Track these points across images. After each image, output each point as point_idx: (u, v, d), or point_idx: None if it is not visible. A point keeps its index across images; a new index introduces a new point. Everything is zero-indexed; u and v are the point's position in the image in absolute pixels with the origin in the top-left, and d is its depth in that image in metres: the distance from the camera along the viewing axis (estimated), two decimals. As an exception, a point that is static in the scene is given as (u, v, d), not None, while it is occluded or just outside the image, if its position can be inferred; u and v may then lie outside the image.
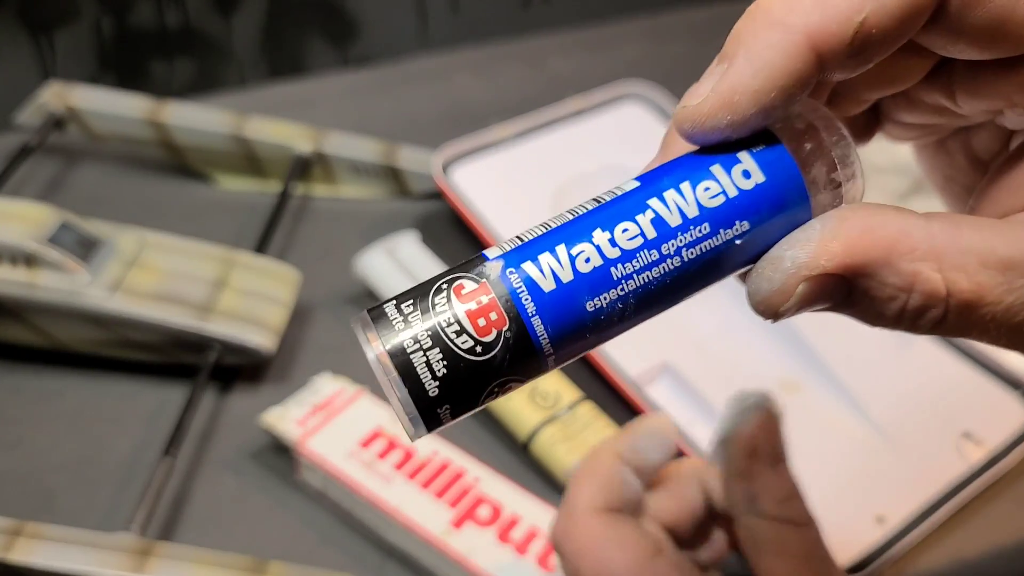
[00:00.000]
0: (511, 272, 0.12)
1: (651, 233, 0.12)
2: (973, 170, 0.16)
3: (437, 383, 0.12)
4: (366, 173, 0.38)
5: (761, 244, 0.13)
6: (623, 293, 0.12)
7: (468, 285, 0.12)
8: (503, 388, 0.12)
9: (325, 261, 0.35)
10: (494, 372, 0.12)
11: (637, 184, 0.13)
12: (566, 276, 0.12)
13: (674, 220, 0.12)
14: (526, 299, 0.12)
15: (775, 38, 0.12)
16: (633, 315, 0.13)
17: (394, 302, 0.12)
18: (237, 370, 0.30)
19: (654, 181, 0.13)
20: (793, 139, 0.13)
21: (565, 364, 0.13)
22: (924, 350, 0.31)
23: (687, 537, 0.19)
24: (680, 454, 0.25)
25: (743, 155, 0.13)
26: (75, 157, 0.39)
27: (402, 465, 0.26)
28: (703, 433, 0.27)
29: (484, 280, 0.12)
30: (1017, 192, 0.13)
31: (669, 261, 0.12)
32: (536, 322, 0.12)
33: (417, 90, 0.45)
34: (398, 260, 0.33)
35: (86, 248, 0.29)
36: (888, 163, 0.34)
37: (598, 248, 0.12)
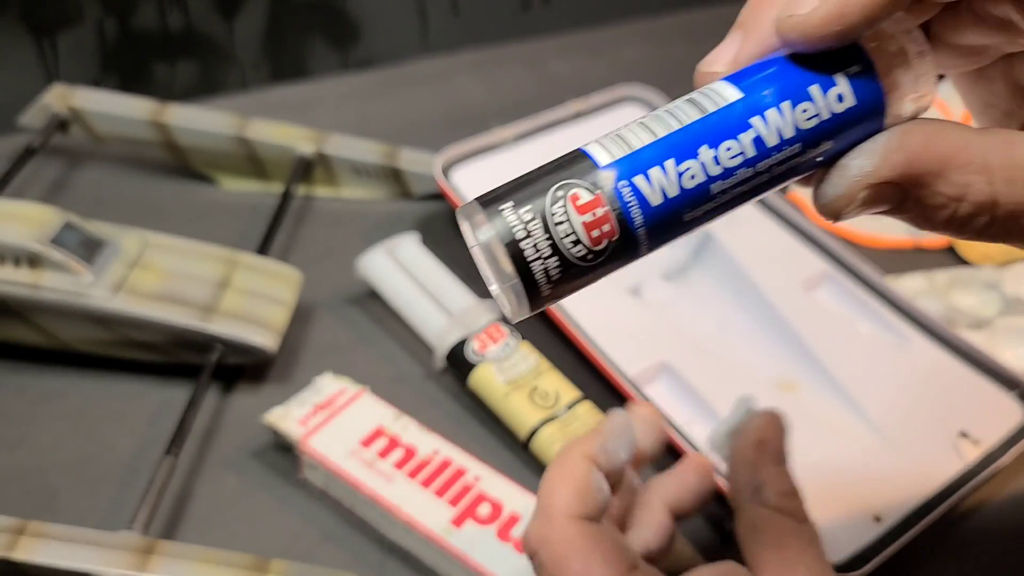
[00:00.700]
0: (624, 186, 0.13)
1: (751, 152, 0.13)
2: (1013, 96, 0.17)
3: (551, 286, 0.13)
4: (367, 174, 0.38)
5: (836, 155, 0.14)
6: (716, 205, 0.13)
7: (583, 195, 0.13)
8: (597, 279, 0.13)
9: (327, 262, 0.35)
10: (597, 272, 0.13)
11: (738, 94, 0.13)
12: (672, 192, 0.13)
13: (772, 140, 0.13)
14: (636, 213, 0.13)
15: None
16: (716, 216, 0.14)
17: (511, 205, 0.13)
18: (239, 370, 0.31)
19: (755, 95, 0.13)
20: (883, 59, 0.13)
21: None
22: (921, 350, 0.31)
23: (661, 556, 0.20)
24: (671, 445, 0.25)
25: (839, 78, 0.13)
26: (78, 158, 0.39)
27: (403, 464, 0.26)
28: (701, 432, 0.27)
29: (599, 192, 0.13)
30: None
31: (760, 176, 0.13)
32: (641, 232, 0.13)
33: (418, 92, 0.45)
34: (399, 261, 0.33)
35: (89, 249, 0.29)
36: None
37: (703, 166, 0.13)
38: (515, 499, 0.25)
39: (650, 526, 0.20)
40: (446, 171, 0.35)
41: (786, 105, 0.13)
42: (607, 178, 0.13)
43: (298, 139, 0.38)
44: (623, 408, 0.21)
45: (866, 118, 0.13)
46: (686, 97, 0.14)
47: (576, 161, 0.13)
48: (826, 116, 0.13)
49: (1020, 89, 0.17)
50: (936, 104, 0.20)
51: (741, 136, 0.13)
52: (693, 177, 0.13)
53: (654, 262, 0.35)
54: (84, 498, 0.27)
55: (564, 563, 0.17)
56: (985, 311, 0.34)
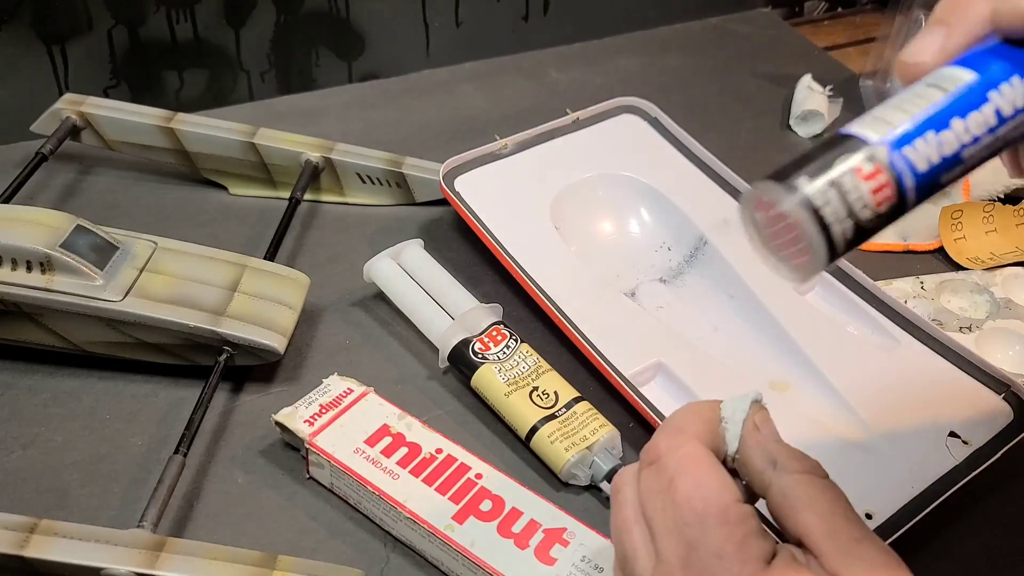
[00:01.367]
0: (896, 155, 0.16)
1: (992, 121, 0.16)
2: None
3: (845, 244, 0.16)
4: (373, 181, 0.39)
5: None
6: (965, 167, 0.16)
7: (866, 167, 0.15)
8: (874, 235, 0.16)
9: (333, 266, 0.36)
10: (876, 229, 0.16)
11: (973, 75, 0.16)
12: (935, 158, 0.16)
13: (1008, 109, 0.16)
14: (908, 179, 0.16)
15: None
16: (963, 175, 0.16)
17: (806, 177, 0.15)
18: (248, 371, 0.31)
19: (989, 75, 0.16)
20: None
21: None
22: (912, 352, 0.32)
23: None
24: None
25: None
26: (89, 165, 0.40)
27: (407, 461, 0.27)
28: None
29: (878, 163, 0.15)
30: None
31: (999, 140, 0.16)
32: (911, 196, 0.16)
33: (421, 102, 0.46)
34: (404, 266, 0.34)
35: (100, 253, 0.30)
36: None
37: (956, 135, 0.16)
38: (516, 496, 0.26)
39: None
40: (449, 178, 0.36)
41: (1016, 79, 0.16)
42: (882, 152, 0.15)
43: (306, 147, 0.38)
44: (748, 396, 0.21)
45: None
46: (925, 82, 0.17)
47: (849, 140, 0.16)
48: None
49: None
50: None
51: (984, 107, 0.16)
52: (949, 145, 0.16)
53: (650, 266, 0.36)
54: (95, 496, 0.27)
55: (686, 469, 0.19)
56: (975, 314, 0.35)
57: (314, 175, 0.38)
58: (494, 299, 0.33)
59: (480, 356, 0.30)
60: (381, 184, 0.39)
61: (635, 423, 0.30)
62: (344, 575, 0.24)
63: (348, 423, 0.28)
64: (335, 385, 0.29)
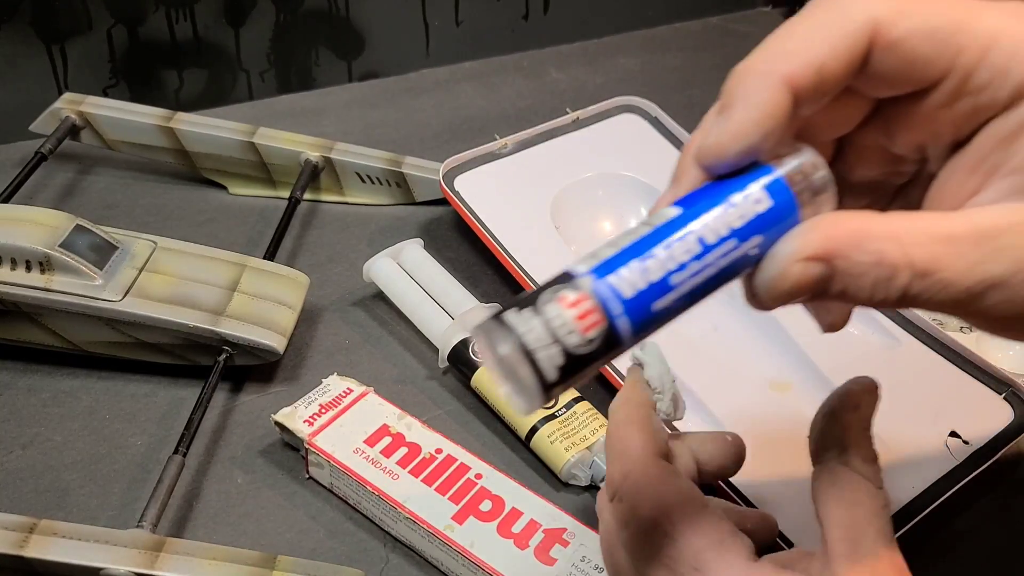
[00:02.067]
0: (599, 283, 0.16)
1: (696, 249, 0.16)
2: None
3: (557, 372, 0.16)
4: (372, 181, 0.39)
5: (767, 249, 0.17)
6: (679, 294, 0.16)
7: (569, 295, 0.16)
8: (597, 367, 0.16)
9: (333, 266, 0.36)
10: (594, 358, 0.16)
11: (679, 211, 0.17)
12: (641, 284, 0.16)
13: (711, 238, 0.16)
14: (613, 304, 0.16)
15: (762, 83, 0.16)
16: (683, 306, 0.17)
17: (515, 309, 0.16)
18: (248, 371, 0.31)
19: (693, 208, 0.17)
20: (785, 170, 0.17)
21: (632, 347, 0.17)
22: (912, 351, 0.32)
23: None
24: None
25: (753, 187, 0.17)
26: (89, 164, 0.40)
27: (407, 461, 0.27)
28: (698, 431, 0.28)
29: (582, 291, 0.16)
30: (951, 196, 0.17)
31: (709, 268, 0.16)
32: (621, 321, 0.16)
33: (421, 102, 0.46)
34: (404, 266, 0.34)
35: (100, 253, 0.30)
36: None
37: (660, 262, 0.16)
38: (516, 496, 0.26)
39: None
40: (449, 178, 0.36)
41: (717, 211, 0.17)
42: (586, 280, 0.16)
43: (305, 146, 0.38)
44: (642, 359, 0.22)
45: (784, 216, 0.17)
46: (642, 221, 0.17)
47: (562, 276, 0.16)
48: (750, 216, 0.17)
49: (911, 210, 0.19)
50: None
51: (687, 237, 0.16)
52: (653, 271, 0.16)
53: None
54: (94, 496, 0.27)
55: (644, 492, 0.19)
56: (975, 315, 0.35)
57: (314, 175, 0.38)
58: (494, 299, 0.33)
59: (480, 356, 0.30)
60: (381, 184, 0.39)
61: (635, 423, 0.30)
62: (344, 575, 0.24)
63: (348, 423, 0.28)
64: (335, 385, 0.29)
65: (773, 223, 0.17)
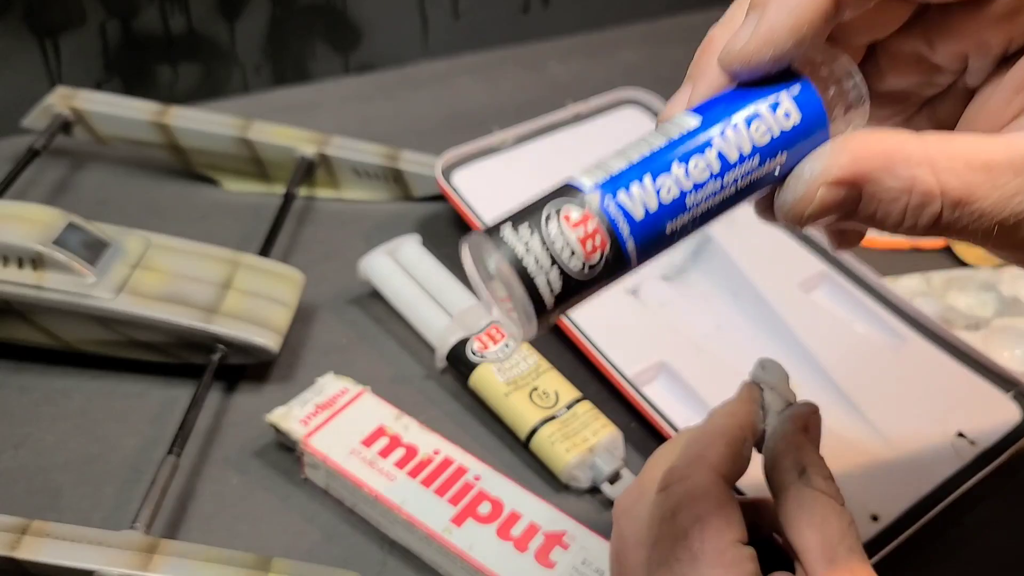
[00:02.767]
0: (608, 201, 0.14)
1: (716, 167, 0.15)
2: None
3: (553, 296, 0.14)
4: (369, 176, 0.38)
5: (791, 167, 0.15)
6: (693, 216, 0.15)
7: (574, 213, 0.14)
8: (596, 292, 0.15)
9: (328, 263, 0.35)
10: (594, 283, 0.15)
11: (698, 119, 0.15)
12: (652, 205, 0.15)
13: (732, 155, 0.15)
14: (622, 225, 0.14)
15: None
16: (693, 230, 0.15)
17: (510, 224, 0.14)
18: (242, 369, 0.31)
19: (713, 118, 0.15)
20: (819, 80, 0.15)
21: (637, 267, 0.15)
22: (918, 350, 0.31)
23: None
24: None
25: (782, 97, 0.15)
26: (81, 160, 0.40)
27: (404, 463, 0.26)
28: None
29: (587, 208, 0.14)
30: (992, 117, 0.16)
31: (727, 188, 0.15)
32: (629, 244, 0.15)
33: (419, 95, 0.46)
34: (400, 263, 0.34)
35: (92, 250, 0.29)
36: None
37: (677, 180, 0.15)
38: (515, 498, 0.26)
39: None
40: (447, 173, 0.36)
41: (740, 124, 0.15)
42: (593, 197, 0.14)
43: (300, 141, 0.38)
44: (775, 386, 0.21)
45: (813, 132, 0.15)
46: (654, 129, 0.16)
47: (564, 188, 0.15)
48: (776, 132, 0.15)
49: (946, 129, 0.18)
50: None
51: (707, 151, 0.15)
52: (669, 191, 0.15)
53: (653, 263, 0.35)
54: (87, 497, 0.27)
55: (691, 505, 0.18)
56: (982, 312, 0.34)
57: (309, 170, 0.38)
58: (493, 296, 0.33)
59: (478, 355, 0.29)
60: (377, 179, 0.38)
61: (637, 424, 0.30)
62: (339, 579, 0.23)
63: (343, 424, 0.27)
64: (330, 385, 0.29)
65: (801, 138, 0.15)
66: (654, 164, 0.15)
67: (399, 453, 0.27)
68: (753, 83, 0.15)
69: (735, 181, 0.15)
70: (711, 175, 0.15)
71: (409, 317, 0.32)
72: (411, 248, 0.34)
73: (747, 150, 0.15)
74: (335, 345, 0.32)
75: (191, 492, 0.27)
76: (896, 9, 0.17)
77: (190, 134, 0.37)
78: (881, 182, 0.15)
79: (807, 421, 0.20)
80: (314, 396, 0.28)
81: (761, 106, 0.15)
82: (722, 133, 0.15)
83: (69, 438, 0.29)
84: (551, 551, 0.24)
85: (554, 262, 0.14)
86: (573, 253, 0.14)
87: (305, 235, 0.37)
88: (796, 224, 0.16)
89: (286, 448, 0.28)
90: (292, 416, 0.27)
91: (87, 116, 0.37)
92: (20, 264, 0.29)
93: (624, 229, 0.14)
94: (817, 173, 0.15)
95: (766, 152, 0.15)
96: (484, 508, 0.25)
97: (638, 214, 0.14)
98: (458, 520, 0.25)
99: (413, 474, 0.26)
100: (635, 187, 0.14)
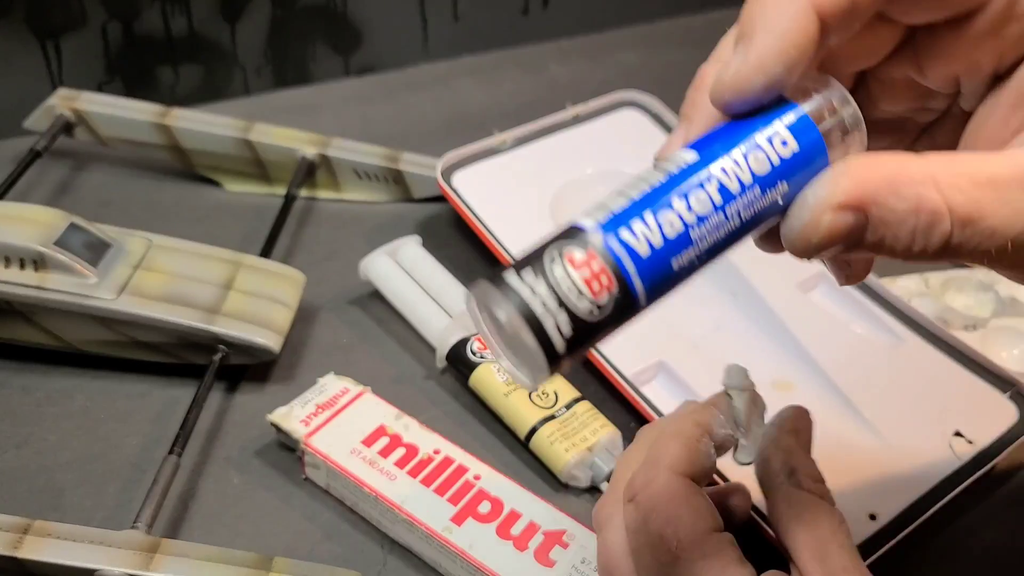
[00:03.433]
0: (612, 240, 0.14)
1: (718, 199, 0.15)
2: None
3: (564, 340, 0.14)
4: (370, 177, 0.39)
5: (793, 196, 0.15)
6: (699, 251, 0.15)
7: (577, 254, 0.14)
8: (608, 335, 0.15)
9: (329, 263, 0.36)
10: (605, 325, 0.14)
11: (696, 155, 0.15)
12: (656, 241, 0.14)
13: (734, 186, 0.15)
14: (628, 263, 0.14)
15: (786, 7, 0.15)
16: (701, 266, 0.15)
17: (514, 271, 0.14)
18: (243, 370, 0.31)
19: (711, 152, 0.15)
20: (813, 107, 0.15)
21: (646, 308, 0.15)
22: (916, 350, 0.32)
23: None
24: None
25: (778, 126, 0.15)
26: (83, 161, 0.40)
27: (404, 462, 0.26)
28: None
29: (591, 248, 0.14)
30: (992, 135, 0.16)
31: (731, 220, 0.15)
32: (637, 282, 0.14)
33: (419, 97, 0.46)
34: (401, 263, 0.34)
35: (94, 250, 0.29)
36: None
37: (679, 215, 0.14)
38: (515, 497, 0.26)
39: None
40: (447, 174, 0.36)
41: (739, 155, 0.15)
42: (596, 237, 0.14)
43: (301, 142, 0.38)
44: (745, 389, 0.21)
45: (812, 159, 0.15)
46: (653, 166, 0.15)
47: (567, 231, 0.15)
48: (776, 160, 0.15)
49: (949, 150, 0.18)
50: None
51: (707, 185, 0.15)
52: (672, 226, 0.14)
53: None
54: (89, 497, 0.27)
55: (658, 509, 0.18)
56: (980, 312, 0.34)
57: (310, 171, 0.38)
58: (493, 297, 0.33)
59: (479, 355, 0.30)
60: (378, 180, 0.39)
61: (636, 423, 0.30)
62: (340, 578, 0.24)
63: (344, 423, 0.27)
64: (331, 385, 0.29)
65: (801, 167, 0.15)
66: (655, 201, 0.14)
67: (399, 453, 0.27)
68: (747, 114, 0.15)
69: (738, 213, 0.15)
70: (714, 208, 0.15)
71: (409, 317, 0.33)
72: (411, 249, 0.34)
73: (748, 181, 0.15)
74: (336, 345, 0.32)
75: (193, 492, 0.27)
76: (883, 35, 0.17)
77: (191, 135, 0.37)
78: (887, 204, 0.14)
79: (796, 424, 0.20)
80: (315, 396, 0.28)
81: (758, 136, 0.15)
82: (721, 166, 0.15)
83: (71, 438, 0.29)
84: (551, 550, 0.24)
85: (562, 304, 0.14)
86: (580, 294, 0.14)
87: (306, 236, 0.37)
88: (804, 254, 0.15)
89: (287, 448, 0.28)
90: (293, 416, 0.28)
91: (89, 117, 0.38)
92: (22, 265, 0.29)
93: (630, 267, 0.14)
94: (822, 199, 0.15)
95: (767, 182, 0.15)
96: (484, 507, 0.25)
97: (643, 251, 0.14)
98: (458, 519, 0.25)
99: (413, 473, 0.26)
100: (638, 224, 0.14)
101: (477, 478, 0.26)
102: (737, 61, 0.15)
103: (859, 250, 0.15)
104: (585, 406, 0.29)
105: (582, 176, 0.37)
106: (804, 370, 0.31)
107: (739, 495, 0.22)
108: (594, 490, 0.28)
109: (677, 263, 0.15)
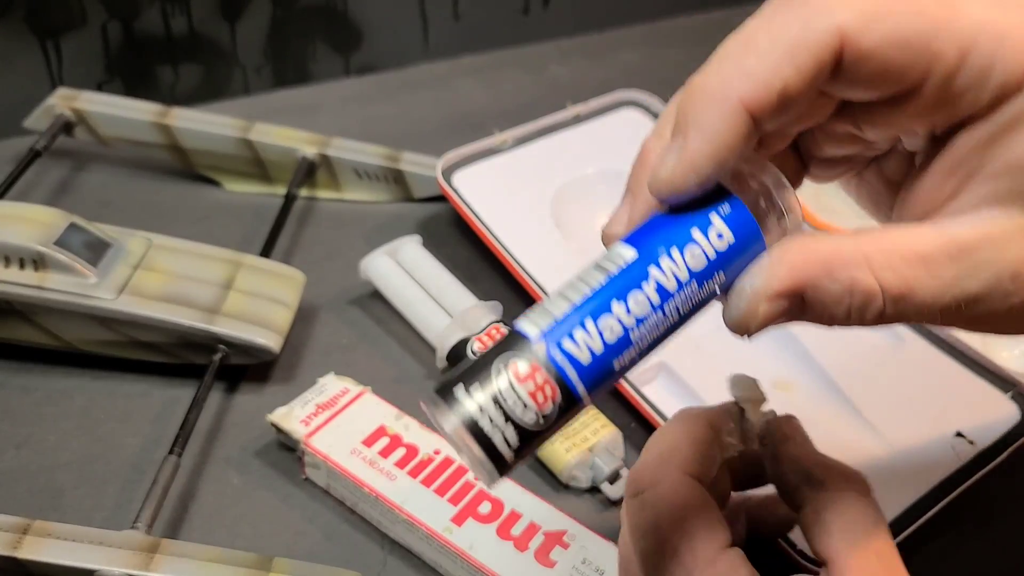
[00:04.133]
0: (554, 351, 0.15)
1: (656, 299, 0.15)
2: (891, 193, 0.19)
3: (512, 451, 0.15)
4: (370, 177, 0.39)
5: (731, 282, 0.16)
6: (639, 349, 0.15)
7: (522, 368, 0.15)
8: (553, 434, 0.15)
9: (329, 263, 0.36)
10: (551, 429, 0.15)
11: (635, 253, 0.16)
12: (597, 347, 0.15)
13: (671, 284, 0.15)
14: (571, 373, 0.15)
15: (718, 109, 0.15)
16: (641, 359, 0.16)
17: (462, 385, 0.15)
18: (243, 370, 0.31)
19: (648, 250, 0.16)
20: (748, 194, 0.16)
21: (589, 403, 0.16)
22: (917, 350, 0.32)
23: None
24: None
25: (713, 217, 0.16)
26: (83, 161, 0.40)
27: (405, 463, 0.26)
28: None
29: (534, 360, 0.15)
30: (927, 199, 0.16)
31: (670, 316, 0.15)
32: (579, 388, 0.15)
33: (419, 96, 0.46)
34: (401, 263, 0.34)
35: (94, 250, 0.29)
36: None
37: (618, 319, 0.15)
38: (515, 498, 0.26)
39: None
40: (447, 174, 0.36)
41: (675, 252, 0.15)
42: (540, 348, 0.15)
43: (301, 142, 0.38)
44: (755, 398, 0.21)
45: (748, 247, 0.16)
46: (594, 264, 0.16)
47: (513, 339, 0.15)
48: (712, 254, 0.15)
49: (894, 184, 0.19)
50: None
51: (644, 285, 0.15)
52: (612, 330, 0.15)
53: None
54: (89, 497, 0.27)
55: (667, 509, 0.18)
56: (980, 312, 0.34)
57: (310, 171, 0.38)
58: (493, 297, 0.33)
59: (479, 355, 0.30)
60: (378, 180, 0.39)
61: (637, 424, 0.30)
62: (340, 578, 0.24)
63: (344, 423, 0.27)
64: (331, 385, 0.29)
65: (737, 256, 0.15)
66: (595, 305, 0.15)
67: (400, 453, 0.27)
68: (685, 206, 0.16)
69: (676, 309, 0.15)
70: (652, 308, 0.15)
71: (410, 317, 0.33)
72: (412, 249, 0.34)
73: (684, 277, 0.15)
74: (336, 345, 0.32)
75: (192, 492, 0.27)
76: (823, 104, 0.17)
77: (191, 135, 0.37)
78: (821, 287, 0.15)
79: (785, 432, 0.19)
80: (315, 396, 0.28)
81: (694, 231, 0.15)
82: (658, 264, 0.15)
83: (71, 438, 0.29)
84: (551, 550, 0.24)
85: (508, 419, 0.14)
86: (526, 407, 0.14)
87: (306, 236, 0.37)
88: (744, 335, 0.16)
89: (287, 448, 0.28)
90: (293, 416, 0.28)
91: (88, 117, 0.38)
92: (22, 265, 0.29)
93: (572, 376, 0.15)
94: (758, 289, 0.15)
95: (703, 276, 0.15)
96: (484, 508, 0.25)
97: (584, 359, 0.15)
98: (458, 520, 0.25)
99: (413, 474, 0.26)
100: (579, 333, 0.15)
101: (477, 478, 0.26)
102: (671, 160, 0.15)
103: (799, 321, 0.16)
104: (585, 406, 0.29)
105: (582, 176, 0.37)
106: (804, 370, 0.31)
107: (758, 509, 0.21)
108: (595, 490, 0.28)
109: (619, 363, 0.15)
